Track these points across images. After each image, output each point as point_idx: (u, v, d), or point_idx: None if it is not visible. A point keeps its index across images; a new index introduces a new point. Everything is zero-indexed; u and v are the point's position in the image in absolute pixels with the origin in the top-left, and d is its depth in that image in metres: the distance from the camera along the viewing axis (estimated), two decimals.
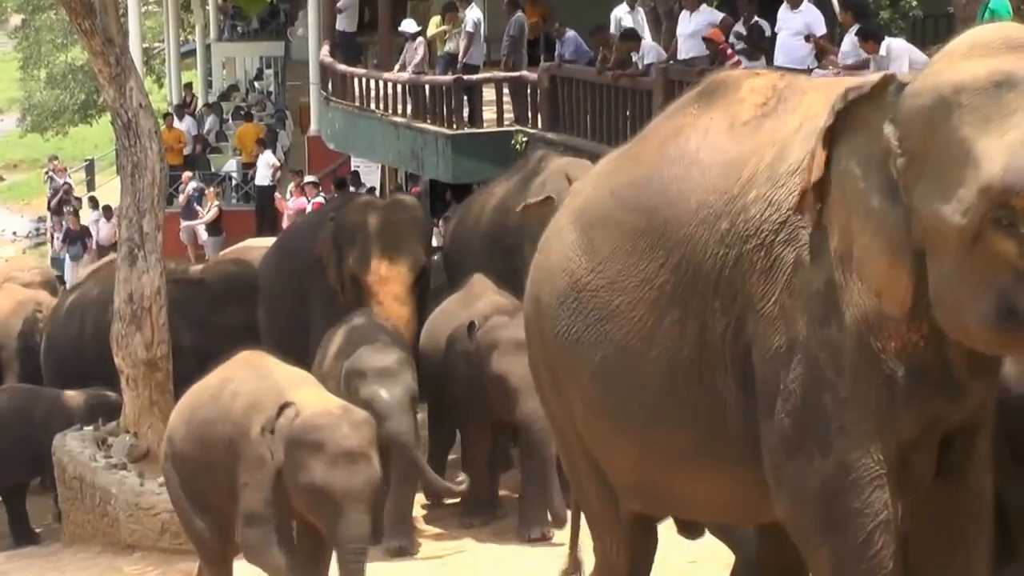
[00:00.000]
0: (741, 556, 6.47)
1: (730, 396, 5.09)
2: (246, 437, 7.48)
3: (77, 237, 22.98)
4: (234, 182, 24.38)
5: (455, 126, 16.27)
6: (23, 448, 11.16)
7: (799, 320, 4.89)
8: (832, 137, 4.83)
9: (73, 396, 11.49)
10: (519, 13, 16.69)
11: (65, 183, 26.46)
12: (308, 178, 20.33)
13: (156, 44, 36.10)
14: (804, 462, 4.89)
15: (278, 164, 22.93)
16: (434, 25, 18.31)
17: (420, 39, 17.33)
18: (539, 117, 15.50)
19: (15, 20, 45.18)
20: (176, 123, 24.30)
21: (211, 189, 22.51)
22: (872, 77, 4.88)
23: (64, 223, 23.97)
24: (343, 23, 20.24)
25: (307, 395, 7.60)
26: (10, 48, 44.61)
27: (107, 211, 22.80)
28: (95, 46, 10.17)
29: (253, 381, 7.70)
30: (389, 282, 10.74)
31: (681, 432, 5.23)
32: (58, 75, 37.35)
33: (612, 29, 14.38)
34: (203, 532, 7.93)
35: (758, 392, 5.00)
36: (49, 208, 27.23)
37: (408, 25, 17.72)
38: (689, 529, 6.19)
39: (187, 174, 22.66)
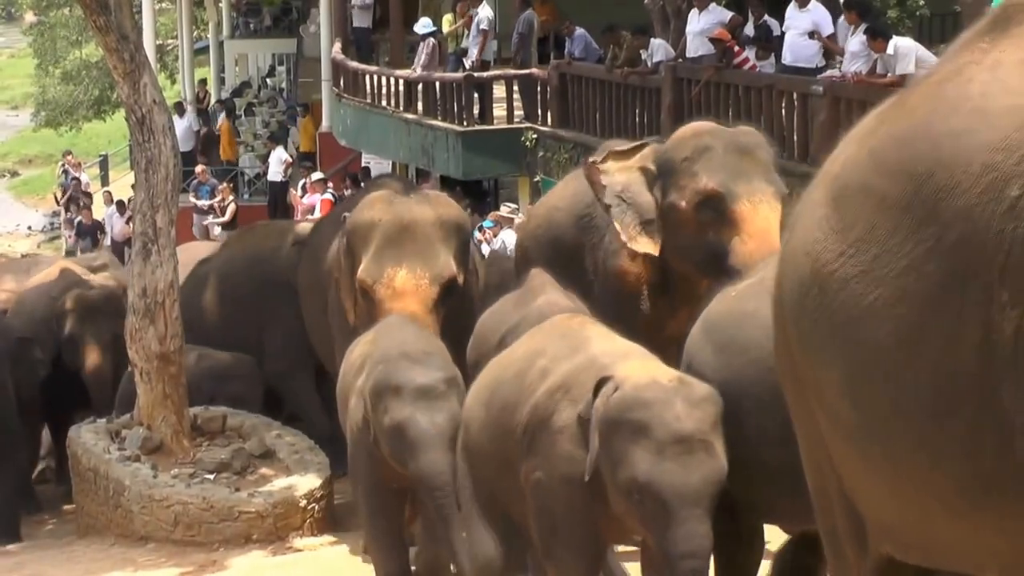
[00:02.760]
0: None
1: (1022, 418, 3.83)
2: (546, 426, 6.01)
3: (88, 231, 23.11)
4: (247, 177, 24.56)
5: (465, 123, 16.38)
6: None
7: None
8: None
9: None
10: (529, 11, 16.80)
11: (74, 178, 26.60)
12: (315, 175, 20.44)
13: (170, 41, 36.22)
14: None
15: (290, 160, 23.10)
16: (447, 23, 18.46)
17: (431, 39, 17.44)
18: (549, 114, 15.62)
19: (30, 17, 45.38)
20: (176, 120, 24.44)
21: (225, 185, 22.65)
22: None
23: (75, 218, 24.13)
24: (359, 19, 20.35)
25: (633, 367, 5.95)
26: (25, 45, 44.78)
27: (121, 206, 22.96)
28: (109, 43, 10.24)
29: (566, 355, 6.18)
30: (404, 297, 8.73)
31: (951, 463, 4.03)
32: (72, 71, 37.47)
33: None
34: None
35: None
36: (58, 203, 27.38)
37: (424, 25, 17.81)
38: None
39: (200, 168, 22.79)
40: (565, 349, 6.23)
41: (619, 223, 8.17)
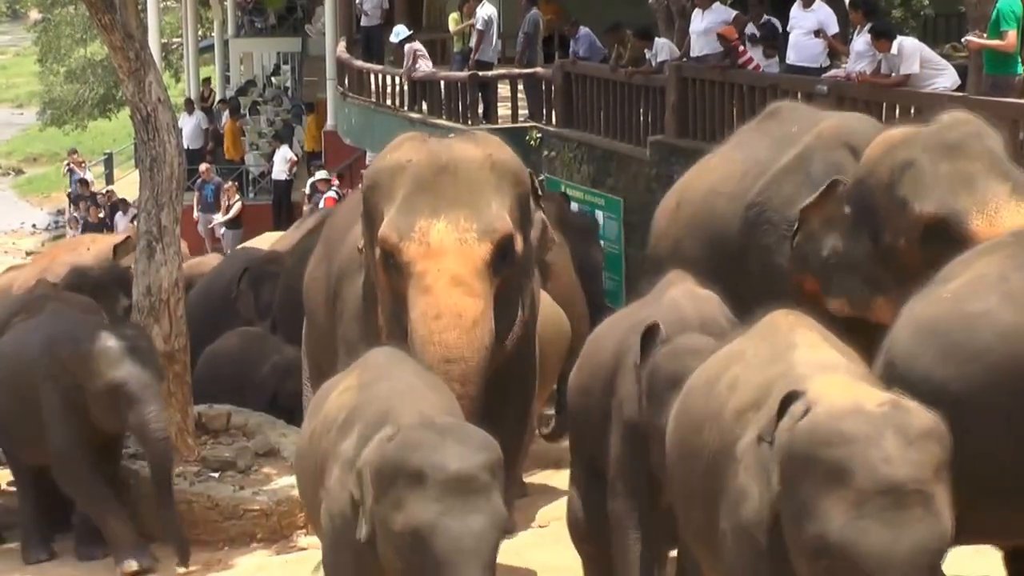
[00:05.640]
0: None
1: None
2: (730, 455, 4.73)
3: (95, 229, 23.15)
4: (251, 176, 24.59)
5: (470, 122, 16.40)
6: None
7: None
8: None
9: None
10: (534, 10, 16.83)
11: (80, 180, 26.66)
12: (320, 173, 20.45)
13: (174, 39, 36.25)
14: None
15: (295, 159, 23.16)
16: (453, 22, 18.53)
17: (409, 44, 17.51)
18: (553, 113, 15.64)
19: (34, 15, 45.42)
20: (186, 118, 24.50)
21: (230, 184, 22.67)
22: None
23: (84, 216, 24.17)
24: (371, 19, 20.39)
25: (832, 383, 4.61)
26: (29, 43, 44.83)
27: (123, 204, 23.02)
28: (115, 41, 10.26)
29: (763, 364, 4.86)
30: (442, 255, 6.34)
31: None
32: (77, 70, 37.51)
33: None
34: None
35: None
36: (71, 201, 27.47)
37: (397, 33, 17.89)
38: None
39: (204, 166, 22.80)
40: (765, 355, 4.89)
41: (847, 299, 6.59)
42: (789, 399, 4.51)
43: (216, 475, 10.00)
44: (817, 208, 6.74)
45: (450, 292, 6.24)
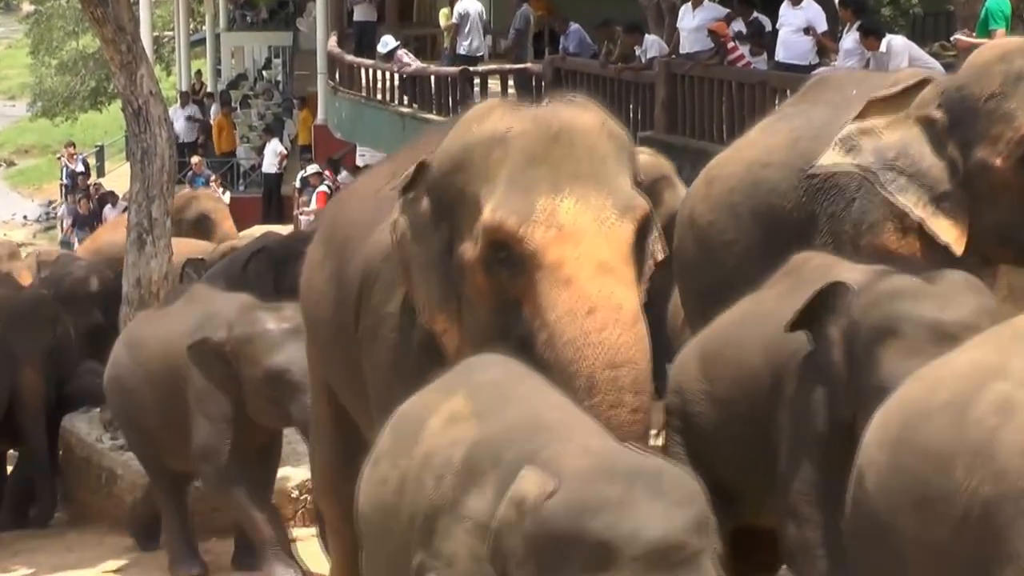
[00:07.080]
0: None
1: None
2: (1020, 504, 3.43)
3: (86, 221, 23.20)
4: (242, 169, 24.64)
5: None
6: None
7: None
8: None
9: None
10: (525, 6, 16.92)
11: (79, 173, 26.71)
12: (310, 168, 20.50)
13: (166, 33, 36.28)
14: None
15: (285, 152, 23.22)
16: (443, 17, 18.63)
17: (399, 52, 17.61)
18: None
19: (27, 6, 45.42)
20: (180, 110, 24.55)
21: (215, 177, 22.71)
22: None
23: (72, 208, 24.24)
24: (362, 13, 20.46)
25: None
26: (22, 35, 44.83)
27: (112, 197, 23.04)
28: (107, 34, 10.29)
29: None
30: (581, 238, 4.82)
31: None
32: (69, 62, 37.53)
33: None
34: None
35: None
36: (64, 192, 27.53)
37: (385, 43, 17.97)
38: None
39: (196, 159, 22.85)
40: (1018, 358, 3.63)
41: (904, 201, 5.62)
42: None
43: None
44: (894, 102, 5.73)
45: (600, 281, 4.77)
